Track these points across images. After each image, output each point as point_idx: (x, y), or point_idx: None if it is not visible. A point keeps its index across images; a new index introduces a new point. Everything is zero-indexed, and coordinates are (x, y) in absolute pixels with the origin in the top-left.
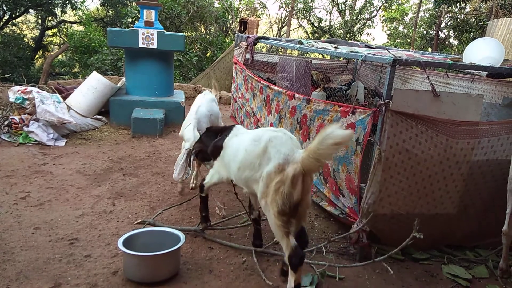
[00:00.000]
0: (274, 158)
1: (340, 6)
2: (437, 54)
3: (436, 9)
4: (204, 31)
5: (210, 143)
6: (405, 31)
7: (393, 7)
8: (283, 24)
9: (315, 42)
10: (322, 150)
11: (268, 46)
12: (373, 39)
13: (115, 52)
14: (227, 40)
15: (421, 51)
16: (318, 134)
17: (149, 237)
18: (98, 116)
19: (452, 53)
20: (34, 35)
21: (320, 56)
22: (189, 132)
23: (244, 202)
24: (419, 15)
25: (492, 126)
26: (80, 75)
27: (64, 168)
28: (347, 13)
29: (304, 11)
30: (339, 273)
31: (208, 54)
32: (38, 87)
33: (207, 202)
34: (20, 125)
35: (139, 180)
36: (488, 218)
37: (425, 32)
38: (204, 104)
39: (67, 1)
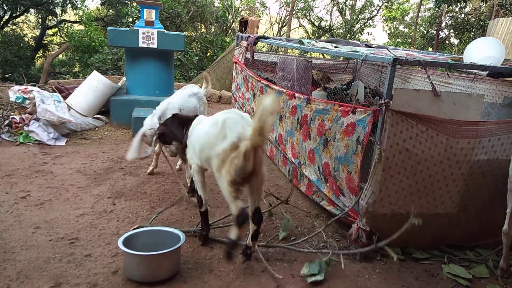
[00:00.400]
0: (229, 136)
1: (340, 6)
2: (438, 53)
3: (437, 9)
4: (205, 30)
5: (174, 128)
6: (406, 30)
7: (394, 7)
8: (284, 24)
9: (316, 41)
10: (262, 123)
11: (268, 45)
12: (374, 39)
13: (116, 52)
14: (228, 40)
15: (421, 51)
16: (255, 113)
17: (149, 237)
18: (98, 116)
19: (453, 53)
20: (34, 35)
21: (321, 56)
22: (148, 119)
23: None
24: (420, 14)
25: (493, 125)
26: (81, 75)
27: (64, 167)
28: (348, 12)
29: (305, 11)
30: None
31: (208, 54)
32: (39, 87)
33: (208, 217)
34: (20, 124)
35: (139, 180)
36: (489, 217)
37: (425, 31)
38: (178, 97)
39: (68, 1)
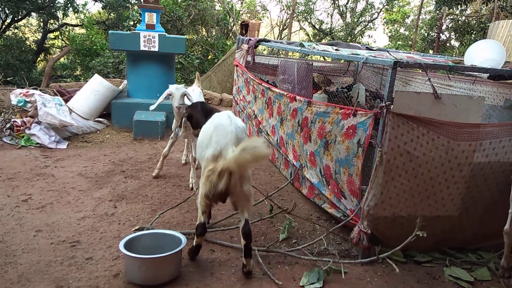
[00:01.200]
0: (212, 146)
1: (341, 9)
2: (438, 56)
3: (437, 11)
4: (206, 33)
5: (199, 115)
6: (406, 33)
7: (394, 9)
8: (284, 27)
9: (316, 44)
10: (243, 159)
11: (269, 48)
12: (374, 41)
13: (117, 55)
14: (229, 43)
15: (422, 53)
16: (242, 143)
17: (150, 240)
18: (99, 119)
19: (454, 55)
20: (36, 38)
21: (321, 59)
22: (173, 86)
23: None
24: (420, 17)
25: (494, 128)
26: (82, 78)
27: (65, 170)
28: (348, 15)
29: (305, 14)
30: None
31: (209, 57)
32: (40, 90)
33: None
34: (22, 127)
35: (140, 183)
36: (490, 220)
37: (426, 34)
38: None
39: (69, 4)
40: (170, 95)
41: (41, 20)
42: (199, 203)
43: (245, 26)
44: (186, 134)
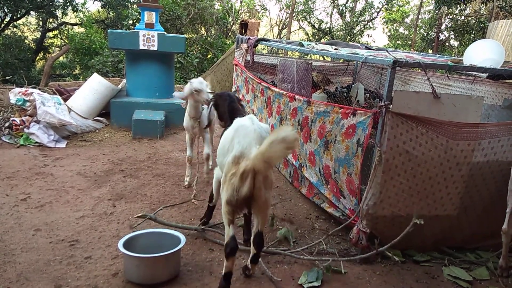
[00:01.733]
0: (234, 148)
1: (340, 8)
2: (438, 55)
3: (437, 11)
4: (205, 33)
5: (224, 107)
6: (406, 32)
7: (394, 9)
8: (284, 26)
9: (316, 44)
10: (271, 152)
11: (268, 48)
12: (374, 41)
13: (116, 54)
14: (228, 42)
15: (421, 53)
16: (269, 136)
17: (149, 239)
18: (98, 118)
19: (453, 55)
20: (35, 37)
21: (321, 58)
22: (196, 80)
23: None
24: (420, 16)
25: (493, 127)
26: (81, 77)
27: (64, 169)
28: (348, 15)
29: (305, 13)
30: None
31: (208, 56)
32: (39, 89)
33: (212, 212)
34: (21, 126)
35: (139, 182)
36: (489, 219)
37: (425, 33)
38: None
39: (68, 3)
40: (196, 91)
41: (40, 19)
42: (223, 214)
43: (244, 25)
44: (198, 130)
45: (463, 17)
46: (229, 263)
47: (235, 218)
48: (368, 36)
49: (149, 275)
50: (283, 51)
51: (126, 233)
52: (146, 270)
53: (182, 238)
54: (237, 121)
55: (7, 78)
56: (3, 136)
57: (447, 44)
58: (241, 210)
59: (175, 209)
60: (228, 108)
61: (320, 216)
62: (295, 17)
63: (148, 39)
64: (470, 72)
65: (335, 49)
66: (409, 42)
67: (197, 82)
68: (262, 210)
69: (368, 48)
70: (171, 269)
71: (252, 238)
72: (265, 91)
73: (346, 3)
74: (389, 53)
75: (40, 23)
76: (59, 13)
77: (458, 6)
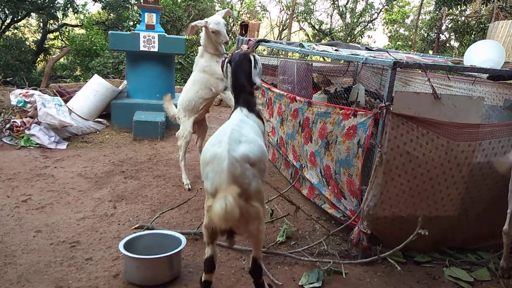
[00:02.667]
0: (208, 181)
1: (341, 9)
2: (438, 56)
3: (437, 12)
4: None
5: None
6: (406, 33)
7: (394, 10)
8: (284, 27)
9: (316, 44)
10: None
11: (269, 49)
12: (374, 42)
13: (117, 55)
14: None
15: (422, 54)
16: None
17: (150, 240)
18: (99, 119)
19: (453, 56)
20: (35, 39)
21: (321, 59)
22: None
23: None
24: (420, 17)
25: (493, 128)
26: (82, 78)
27: (65, 171)
28: (348, 15)
29: (305, 14)
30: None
31: None
32: (40, 90)
33: None
34: (21, 128)
35: (140, 183)
36: (490, 220)
37: (426, 34)
38: None
39: (69, 5)
40: (214, 32)
41: (41, 20)
42: (204, 234)
43: (244, 27)
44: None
45: (463, 18)
46: (207, 276)
47: (214, 241)
48: (369, 37)
49: (150, 276)
50: (283, 52)
51: (126, 235)
52: (146, 272)
53: (183, 239)
54: (218, 136)
55: (7, 79)
56: (4, 138)
57: (447, 44)
58: (222, 236)
59: (175, 210)
60: (233, 82)
61: (321, 217)
62: (295, 18)
63: (149, 40)
64: (470, 73)
65: (336, 50)
66: (410, 43)
67: (213, 23)
68: (250, 238)
69: (369, 49)
70: (172, 270)
71: (250, 264)
72: (266, 92)
73: (347, 4)
74: (389, 54)
75: (41, 24)
76: (59, 14)
77: (458, 6)
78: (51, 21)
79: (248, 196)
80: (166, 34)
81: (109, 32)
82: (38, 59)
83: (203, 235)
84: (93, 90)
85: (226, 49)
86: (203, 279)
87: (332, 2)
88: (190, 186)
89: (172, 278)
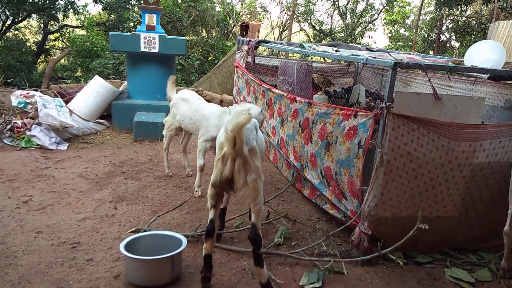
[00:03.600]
0: (219, 135)
1: (341, 9)
2: (439, 56)
3: (437, 12)
4: (206, 35)
5: None
6: (407, 34)
7: (394, 10)
8: (285, 28)
9: (316, 45)
10: (230, 136)
11: (269, 49)
12: (375, 42)
13: (117, 56)
14: (229, 44)
15: (422, 54)
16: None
17: (151, 241)
18: (100, 120)
19: (454, 56)
20: (36, 40)
21: (322, 60)
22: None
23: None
24: (420, 17)
25: (494, 128)
26: (82, 79)
27: (66, 172)
28: (348, 16)
29: (306, 15)
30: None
31: (209, 58)
32: (41, 91)
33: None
34: (22, 129)
35: (141, 184)
36: (491, 220)
37: (426, 35)
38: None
39: (69, 6)
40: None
41: (42, 21)
42: (208, 197)
43: (245, 27)
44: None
45: (464, 18)
46: (207, 244)
47: (218, 203)
48: (369, 37)
49: (151, 277)
50: (284, 52)
51: (127, 235)
52: (147, 272)
53: (184, 240)
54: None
55: (8, 80)
56: (5, 139)
57: (448, 45)
58: (222, 191)
59: (177, 211)
60: None
61: (321, 218)
62: (295, 19)
63: (149, 41)
64: (471, 73)
65: (336, 50)
66: (410, 43)
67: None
68: (248, 194)
69: (369, 49)
70: (173, 271)
71: (249, 232)
72: (266, 92)
73: (347, 4)
74: (390, 55)
75: (42, 25)
76: (60, 15)
77: (459, 7)
78: (52, 22)
79: (251, 149)
80: (166, 35)
81: (110, 33)
82: (39, 60)
83: (208, 198)
84: (94, 91)
85: (226, 48)
86: (204, 252)
87: (332, 2)
88: (170, 173)
89: (172, 279)
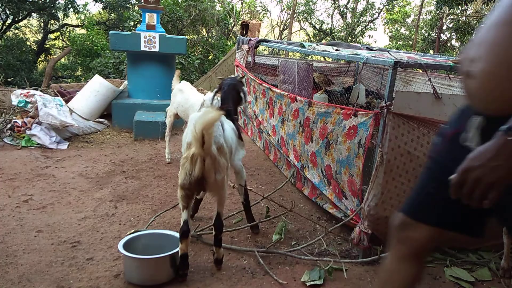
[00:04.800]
0: (187, 136)
1: (341, 9)
2: (439, 56)
3: (438, 11)
4: (206, 34)
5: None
6: (407, 33)
7: (395, 9)
8: (285, 27)
9: (317, 44)
10: (197, 136)
11: (269, 48)
12: (375, 42)
13: (117, 55)
14: (229, 43)
15: (422, 53)
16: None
17: (150, 240)
18: (100, 119)
19: (454, 55)
20: (36, 39)
21: (322, 59)
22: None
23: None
24: (421, 17)
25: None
26: (83, 79)
27: (66, 171)
28: (349, 15)
29: (306, 14)
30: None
31: (210, 57)
32: (41, 90)
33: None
34: (22, 128)
35: (141, 183)
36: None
37: (426, 34)
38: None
39: (70, 5)
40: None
41: (42, 20)
42: (179, 199)
43: (245, 27)
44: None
45: (464, 18)
46: (183, 245)
47: (189, 204)
48: (369, 36)
49: (149, 276)
50: (284, 52)
51: (127, 235)
52: (146, 271)
53: None
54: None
55: (8, 79)
56: (5, 138)
57: (448, 44)
58: (195, 192)
59: (176, 210)
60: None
61: (322, 217)
62: (296, 18)
63: (150, 40)
64: None
65: (336, 50)
66: (410, 42)
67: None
68: (216, 191)
69: (369, 48)
70: (172, 270)
71: (214, 219)
72: (266, 92)
73: (347, 3)
74: (390, 54)
75: (42, 25)
76: (60, 14)
77: (459, 6)
78: (52, 21)
79: (219, 147)
80: (167, 34)
81: (110, 32)
82: (39, 59)
83: (179, 201)
84: (94, 90)
85: (227, 48)
86: (180, 253)
87: (332, 2)
88: (170, 160)
89: (172, 278)
